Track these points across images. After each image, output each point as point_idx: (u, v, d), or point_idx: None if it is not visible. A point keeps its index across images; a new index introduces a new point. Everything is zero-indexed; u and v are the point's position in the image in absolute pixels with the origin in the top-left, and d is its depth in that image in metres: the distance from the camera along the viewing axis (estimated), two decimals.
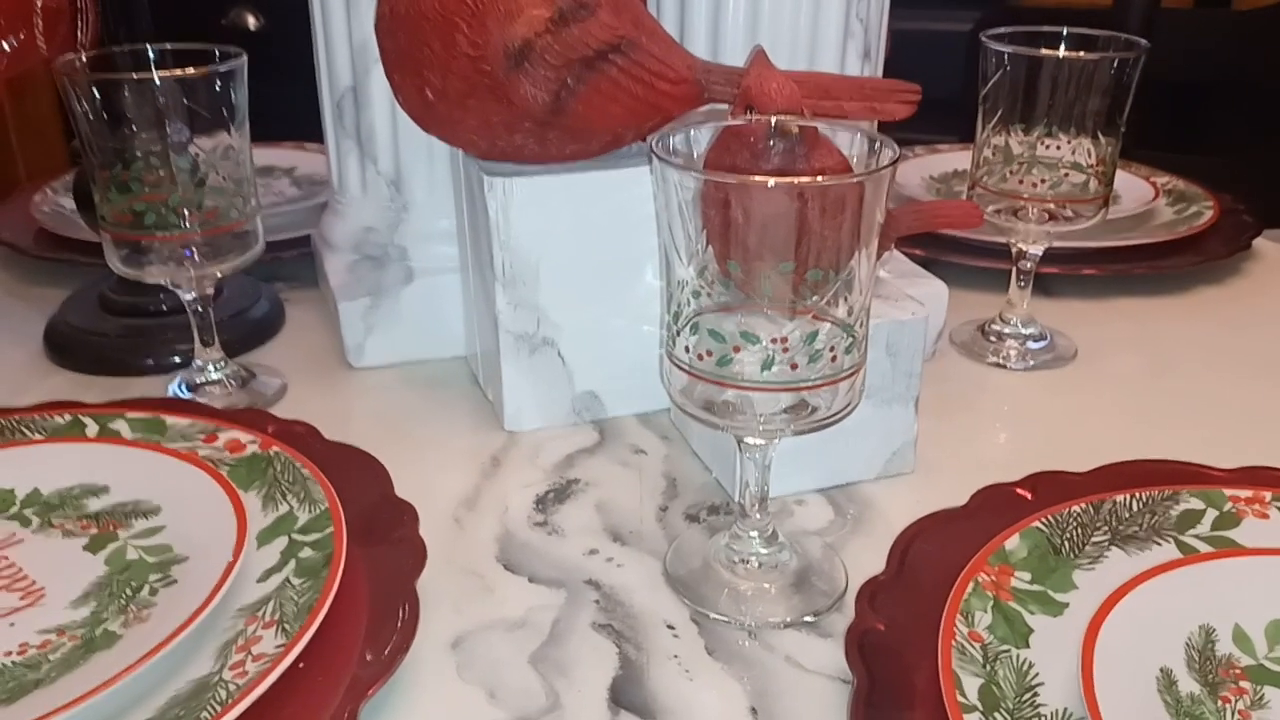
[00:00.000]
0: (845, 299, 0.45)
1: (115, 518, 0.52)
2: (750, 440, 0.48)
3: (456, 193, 0.68)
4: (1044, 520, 0.50)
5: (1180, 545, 0.49)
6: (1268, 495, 0.52)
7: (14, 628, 0.45)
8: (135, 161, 0.62)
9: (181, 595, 0.46)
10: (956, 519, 0.52)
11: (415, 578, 0.47)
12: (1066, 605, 0.46)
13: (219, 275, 0.65)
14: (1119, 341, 0.79)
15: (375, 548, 0.49)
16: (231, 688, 0.40)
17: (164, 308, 0.74)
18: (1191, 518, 0.51)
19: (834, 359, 0.45)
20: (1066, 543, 0.49)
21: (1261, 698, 0.42)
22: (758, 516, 0.52)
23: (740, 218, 0.43)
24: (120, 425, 0.57)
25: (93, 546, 0.50)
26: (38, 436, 0.57)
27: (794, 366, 0.45)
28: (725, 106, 0.56)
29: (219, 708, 0.39)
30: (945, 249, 0.85)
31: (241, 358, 0.73)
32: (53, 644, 0.44)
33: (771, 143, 0.49)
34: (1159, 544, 0.49)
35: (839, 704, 0.44)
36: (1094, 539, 0.49)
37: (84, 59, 0.64)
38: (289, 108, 0.96)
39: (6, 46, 0.65)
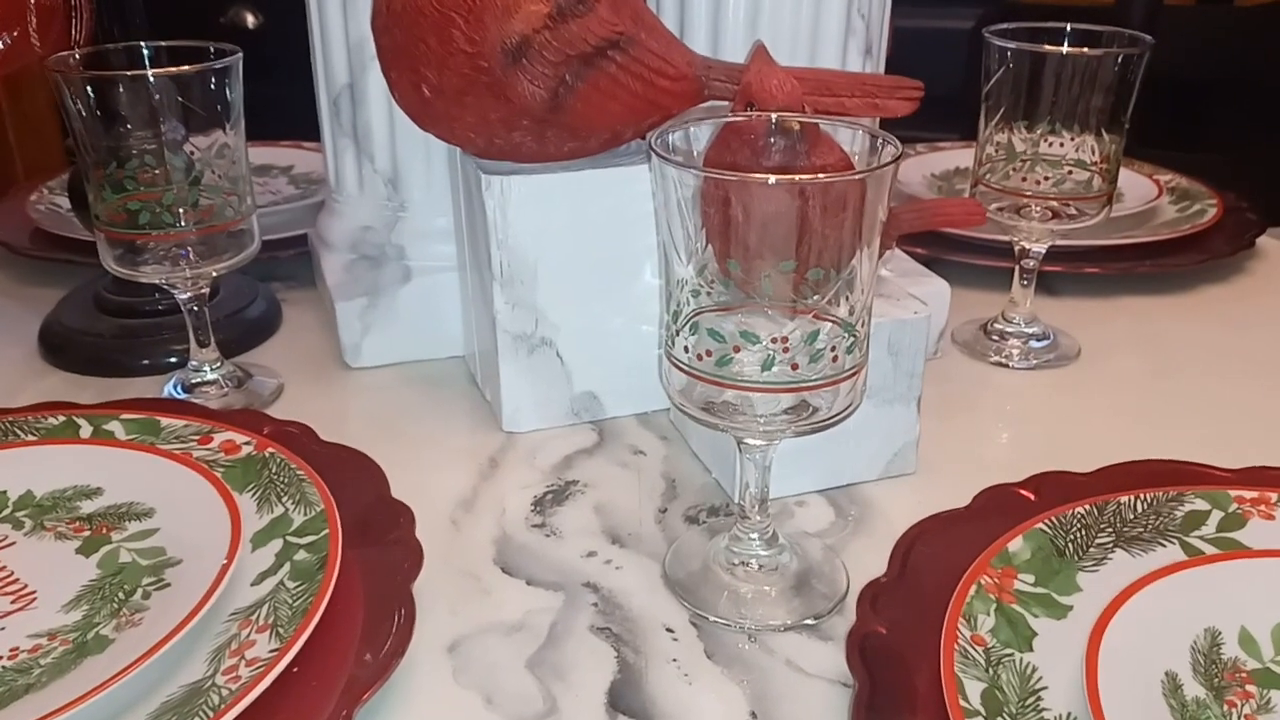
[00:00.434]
0: (846, 298, 0.44)
1: (108, 520, 0.51)
2: (750, 441, 0.48)
3: (454, 191, 0.68)
4: (1047, 522, 0.49)
5: (1185, 547, 0.49)
6: (1273, 496, 0.51)
7: (4, 632, 0.44)
8: (130, 160, 0.61)
9: (175, 599, 0.45)
10: (959, 520, 0.51)
11: (411, 580, 0.47)
12: (1070, 608, 0.45)
13: (214, 275, 0.65)
14: (1122, 340, 0.78)
15: (371, 550, 0.49)
16: (224, 693, 0.39)
17: (160, 308, 0.73)
18: (1196, 519, 0.50)
19: (835, 359, 0.45)
20: (1070, 544, 0.48)
21: (1268, 701, 0.41)
22: (758, 518, 0.51)
23: (740, 216, 0.42)
24: (114, 426, 0.56)
25: (85, 549, 0.49)
26: (31, 438, 0.56)
27: (794, 367, 0.44)
28: (726, 103, 0.56)
29: (211, 713, 0.38)
30: (948, 247, 0.85)
31: (238, 358, 0.72)
32: (44, 648, 0.44)
33: (772, 140, 0.49)
34: (1164, 545, 0.49)
35: (840, 708, 0.44)
36: (1098, 540, 0.49)
37: (78, 57, 0.64)
38: (287, 106, 0.95)
39: (0, 44, 0.65)
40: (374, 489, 0.53)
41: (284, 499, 0.51)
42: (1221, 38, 1.76)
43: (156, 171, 0.62)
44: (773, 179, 0.42)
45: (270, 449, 0.54)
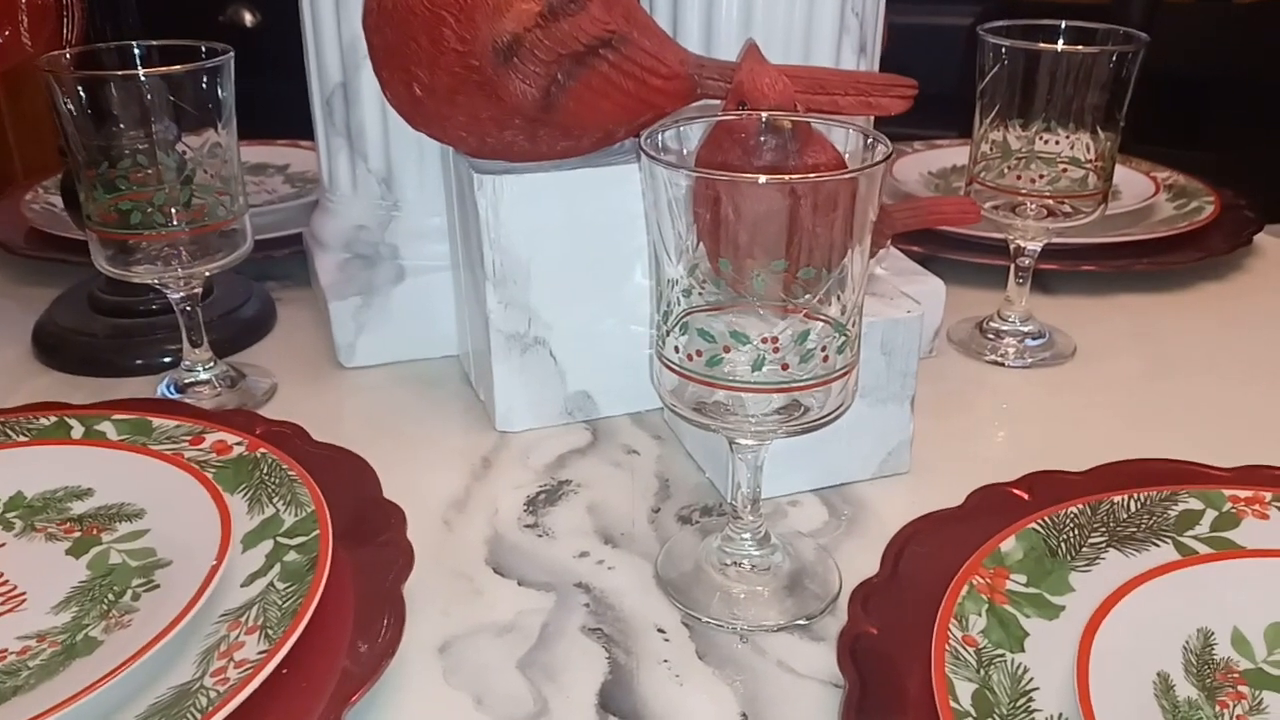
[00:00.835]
0: (838, 297, 0.44)
1: (99, 521, 0.51)
2: (742, 441, 0.48)
3: (447, 191, 0.68)
4: (1040, 521, 0.49)
5: (1179, 546, 0.48)
6: (1268, 495, 0.51)
7: None
8: (122, 159, 0.61)
9: (164, 600, 0.45)
10: (952, 520, 0.51)
11: (402, 581, 0.47)
12: (1063, 608, 0.45)
13: (206, 274, 0.65)
14: (1118, 339, 0.78)
15: (362, 550, 0.49)
16: (213, 694, 0.39)
17: (153, 307, 0.73)
18: (1190, 518, 0.50)
19: (826, 359, 0.45)
20: (1063, 544, 0.48)
21: (1260, 702, 0.41)
22: (750, 518, 0.51)
23: (731, 215, 0.42)
24: (106, 427, 0.56)
25: (75, 550, 0.49)
26: (22, 438, 0.56)
27: (785, 367, 0.44)
28: (719, 102, 0.56)
29: (200, 715, 0.38)
30: (943, 245, 0.84)
31: (231, 358, 0.72)
32: (33, 650, 0.43)
33: (763, 139, 0.49)
34: (1157, 545, 0.49)
35: (831, 709, 0.44)
36: (1091, 540, 0.49)
37: (70, 56, 0.63)
38: (285, 105, 0.95)
39: None
40: (366, 489, 0.53)
41: (275, 500, 0.51)
42: (1220, 35, 1.76)
43: (148, 171, 0.61)
44: (763, 178, 0.41)
45: (262, 449, 0.54)
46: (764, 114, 0.49)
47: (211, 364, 0.68)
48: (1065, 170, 0.70)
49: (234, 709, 0.38)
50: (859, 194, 0.42)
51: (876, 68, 0.68)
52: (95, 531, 0.50)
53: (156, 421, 0.57)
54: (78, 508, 0.52)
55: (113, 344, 0.72)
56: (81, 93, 0.60)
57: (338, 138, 0.71)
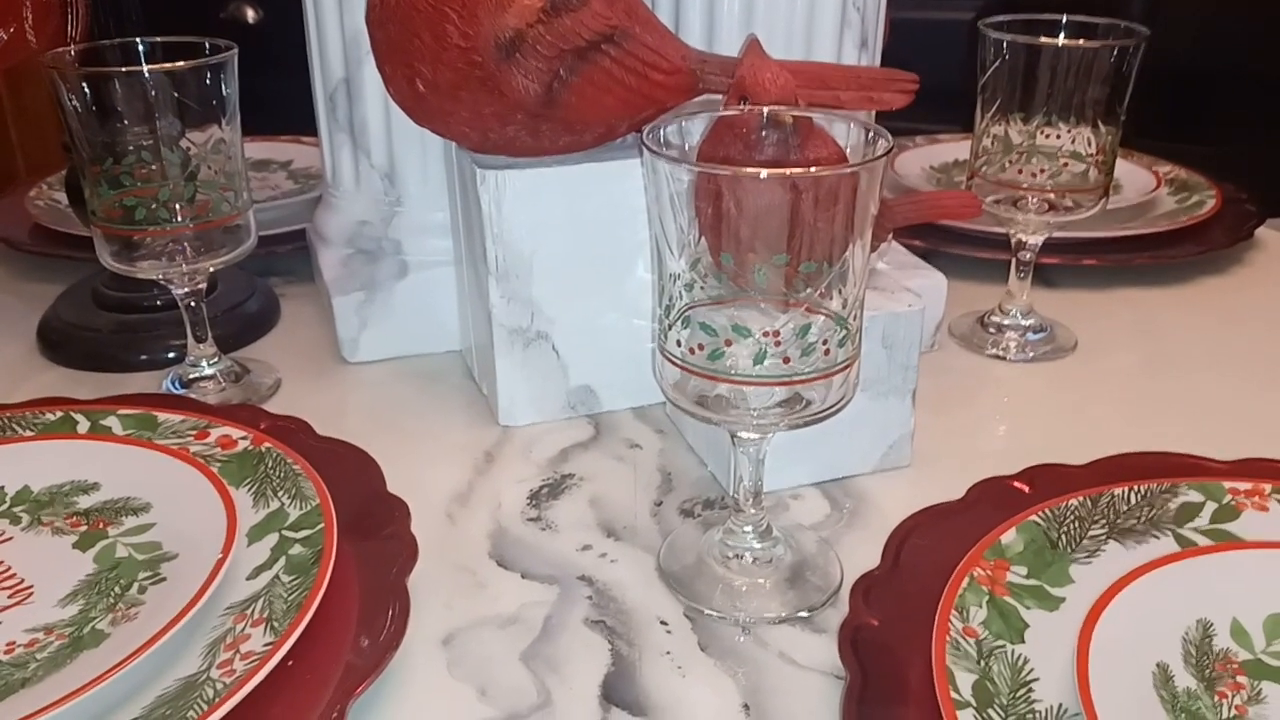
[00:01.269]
0: (839, 291, 0.44)
1: (105, 515, 0.51)
2: (744, 435, 0.48)
3: (450, 186, 0.68)
4: (1041, 514, 0.49)
5: (1179, 538, 0.49)
6: (1267, 488, 0.51)
7: (1, 626, 0.45)
8: (126, 156, 0.61)
9: (170, 593, 0.46)
10: (953, 513, 0.52)
11: (406, 574, 0.47)
12: (1063, 600, 0.45)
13: (210, 270, 0.65)
14: (1120, 332, 0.78)
15: (366, 544, 0.49)
16: (219, 686, 0.39)
17: (158, 303, 0.74)
18: (1190, 510, 0.50)
19: (827, 352, 0.45)
20: (1064, 536, 0.49)
21: (1259, 692, 0.41)
22: (752, 511, 0.51)
23: (733, 210, 0.42)
24: (111, 422, 0.57)
25: (82, 544, 0.50)
26: (28, 433, 0.56)
27: (786, 360, 0.44)
28: (721, 97, 0.56)
29: (206, 706, 0.38)
30: (945, 239, 0.85)
31: (235, 353, 0.72)
32: (40, 642, 0.44)
33: (764, 133, 0.49)
34: (1157, 537, 0.49)
35: (832, 700, 0.44)
36: (1091, 532, 0.49)
37: (74, 53, 0.64)
38: (287, 101, 0.95)
39: None
40: (370, 483, 0.54)
41: (280, 494, 0.51)
42: (1223, 28, 1.76)
43: (152, 167, 0.62)
44: (764, 173, 0.42)
45: (266, 444, 0.54)
46: (765, 109, 0.49)
47: (216, 359, 0.69)
48: (1066, 165, 0.71)
49: (240, 700, 0.39)
50: (860, 188, 0.43)
51: (878, 62, 0.68)
52: (102, 525, 0.51)
53: (162, 416, 0.57)
54: (84, 502, 0.52)
55: (117, 339, 0.73)
56: (86, 89, 0.60)
57: (341, 133, 0.71)
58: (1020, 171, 0.71)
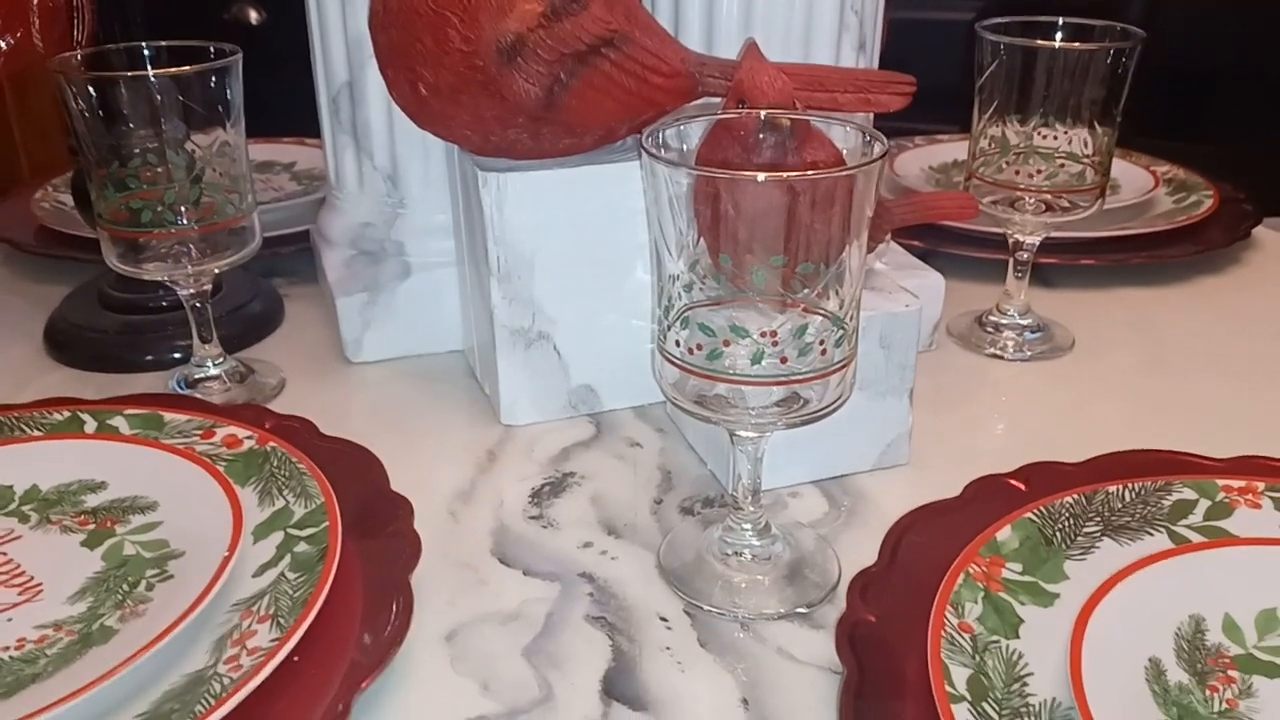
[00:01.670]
0: (836, 292, 0.45)
1: (112, 513, 0.52)
2: (742, 433, 0.48)
3: (452, 188, 0.68)
4: (1036, 511, 0.50)
5: (1172, 535, 0.49)
6: (1260, 485, 0.52)
7: (11, 623, 0.45)
8: (132, 158, 0.62)
9: (177, 590, 0.46)
10: (949, 510, 0.52)
11: (410, 571, 0.48)
12: (1057, 596, 0.46)
13: (216, 271, 0.66)
14: (1117, 332, 0.78)
15: (370, 541, 0.50)
16: (226, 681, 0.40)
17: (163, 304, 0.74)
18: (1184, 508, 0.51)
19: (824, 352, 0.45)
20: (1058, 533, 0.49)
21: (1250, 686, 0.42)
22: (751, 509, 0.52)
23: (731, 212, 0.43)
24: (118, 421, 0.57)
25: (90, 542, 0.50)
26: (36, 433, 0.57)
27: (784, 360, 0.45)
28: (720, 100, 0.57)
29: (213, 701, 0.39)
30: (943, 240, 0.85)
31: (240, 353, 0.73)
32: (50, 639, 0.44)
33: (762, 136, 0.49)
34: (1151, 534, 0.49)
35: (830, 695, 0.44)
36: (1086, 530, 0.49)
37: (80, 57, 0.64)
38: (290, 103, 0.96)
39: (3, 45, 0.66)
40: (373, 482, 0.54)
41: (285, 492, 0.52)
42: (1221, 28, 1.76)
43: (158, 170, 0.62)
44: (762, 176, 0.42)
45: (272, 443, 0.55)
46: (763, 112, 0.49)
47: (221, 360, 0.69)
48: (1063, 165, 0.71)
49: (247, 696, 0.39)
50: (856, 190, 0.43)
51: (876, 65, 0.69)
52: (109, 524, 0.51)
53: (168, 416, 0.58)
54: (92, 500, 0.53)
55: (123, 340, 0.74)
56: (92, 93, 0.61)
57: (344, 136, 0.72)
58: (1017, 172, 0.72)
